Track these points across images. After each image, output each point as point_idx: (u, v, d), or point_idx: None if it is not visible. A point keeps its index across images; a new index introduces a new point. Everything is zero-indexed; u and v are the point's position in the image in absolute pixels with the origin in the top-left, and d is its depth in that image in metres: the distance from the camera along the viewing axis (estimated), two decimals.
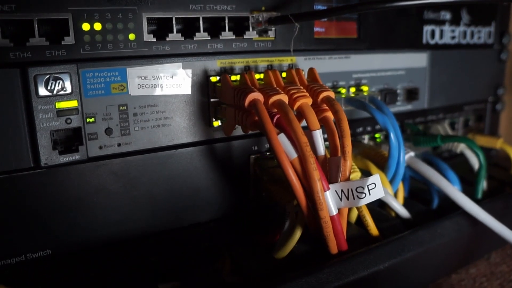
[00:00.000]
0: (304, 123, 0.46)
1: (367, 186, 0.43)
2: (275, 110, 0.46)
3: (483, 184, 0.63)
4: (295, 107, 0.47)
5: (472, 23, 0.78)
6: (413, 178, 0.64)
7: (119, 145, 0.48)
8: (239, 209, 0.57)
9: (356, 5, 0.48)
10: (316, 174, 0.42)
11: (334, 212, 0.44)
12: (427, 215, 0.58)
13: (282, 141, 0.43)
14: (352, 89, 0.63)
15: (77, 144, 0.45)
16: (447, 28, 0.74)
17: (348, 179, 0.45)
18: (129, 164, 0.49)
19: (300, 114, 0.47)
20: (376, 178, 0.44)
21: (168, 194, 0.52)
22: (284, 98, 0.46)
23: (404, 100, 0.70)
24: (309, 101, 0.47)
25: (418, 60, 0.70)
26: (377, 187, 0.44)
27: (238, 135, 0.54)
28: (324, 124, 0.48)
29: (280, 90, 0.47)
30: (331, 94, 0.49)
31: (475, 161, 0.66)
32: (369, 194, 0.43)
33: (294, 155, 0.43)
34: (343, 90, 0.62)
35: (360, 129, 0.66)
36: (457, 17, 0.75)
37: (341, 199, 0.44)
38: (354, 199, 0.44)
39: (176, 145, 0.51)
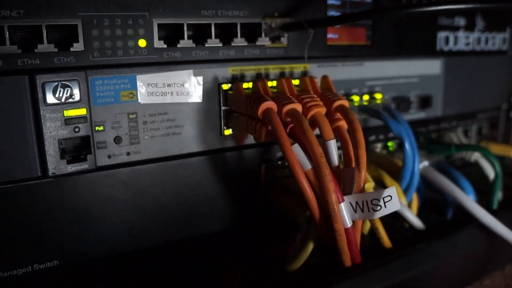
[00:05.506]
0: (316, 131, 0.45)
1: (383, 198, 0.42)
2: (289, 119, 0.45)
3: (499, 195, 0.61)
4: (309, 116, 0.46)
5: (487, 29, 0.77)
6: (427, 188, 0.62)
7: (128, 154, 0.47)
8: (250, 219, 0.56)
9: (371, 11, 0.48)
10: (331, 186, 0.41)
11: (349, 224, 0.43)
12: (442, 226, 0.57)
13: (296, 152, 0.42)
14: (365, 97, 0.62)
15: (85, 153, 0.44)
16: (461, 34, 0.73)
17: (362, 190, 0.44)
18: (138, 173, 0.48)
19: (313, 123, 0.46)
20: (392, 190, 0.42)
21: (178, 204, 0.51)
22: (298, 107, 0.45)
23: (418, 107, 0.68)
24: (323, 110, 0.46)
25: (432, 67, 0.69)
26: (393, 199, 0.42)
27: (249, 144, 0.53)
28: (338, 134, 0.47)
29: (293, 98, 0.46)
30: (345, 103, 0.48)
31: (489, 170, 0.65)
32: (385, 206, 0.42)
33: (308, 166, 0.42)
34: (356, 98, 0.61)
35: (373, 137, 0.64)
36: (472, 23, 0.74)
37: (355, 211, 0.43)
38: (369, 211, 0.43)
39: (186, 154, 0.50)
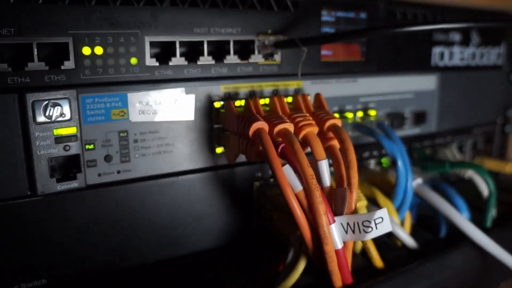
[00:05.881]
0: (308, 148, 0.45)
1: (374, 220, 0.42)
2: (280, 139, 0.45)
3: (493, 212, 0.61)
4: (301, 136, 0.46)
5: (482, 44, 0.77)
6: (421, 203, 0.62)
7: (118, 172, 0.46)
8: (241, 237, 0.55)
9: (365, 30, 0.47)
10: (321, 208, 0.40)
11: (340, 246, 0.42)
12: (435, 245, 0.56)
13: (287, 173, 0.41)
14: (359, 114, 0.61)
15: (75, 171, 0.44)
16: (456, 49, 0.73)
17: (354, 211, 0.44)
18: (128, 191, 0.47)
19: (306, 142, 0.45)
20: (384, 212, 0.42)
21: (169, 222, 0.50)
22: (290, 126, 0.45)
23: (412, 123, 0.68)
24: (315, 129, 0.46)
25: (427, 82, 0.69)
26: (384, 221, 0.42)
27: (241, 162, 0.52)
28: (330, 153, 0.46)
29: (285, 118, 0.46)
30: (338, 122, 0.48)
31: (483, 187, 0.64)
32: (376, 228, 0.42)
33: (299, 187, 0.42)
34: (350, 115, 0.60)
35: (366, 154, 0.64)
36: (467, 38, 0.74)
37: (346, 232, 0.43)
38: (360, 232, 0.42)
39: (177, 172, 0.50)
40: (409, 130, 0.68)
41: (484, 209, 0.61)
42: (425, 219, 0.63)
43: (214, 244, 0.54)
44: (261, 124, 0.44)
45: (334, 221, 0.42)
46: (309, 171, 0.41)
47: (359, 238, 0.42)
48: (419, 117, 0.69)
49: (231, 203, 0.53)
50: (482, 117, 0.81)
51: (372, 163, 0.66)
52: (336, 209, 0.43)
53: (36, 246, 0.44)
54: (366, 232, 0.42)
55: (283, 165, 0.41)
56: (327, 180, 0.44)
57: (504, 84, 0.83)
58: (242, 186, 0.54)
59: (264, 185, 0.54)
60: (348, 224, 0.43)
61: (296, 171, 0.42)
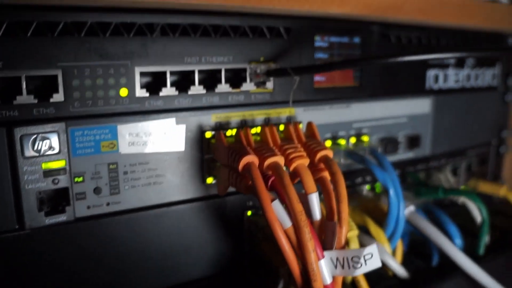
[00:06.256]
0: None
1: (364, 256, 0.42)
2: (270, 172, 0.44)
3: (486, 239, 0.61)
4: (292, 168, 0.45)
5: (477, 65, 0.76)
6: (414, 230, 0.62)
7: (108, 204, 0.46)
8: (232, 265, 0.55)
9: (357, 60, 0.47)
10: (310, 244, 0.40)
11: (329, 281, 0.42)
12: (427, 274, 0.56)
13: (276, 209, 0.41)
14: (352, 140, 0.61)
15: (64, 204, 0.44)
16: (451, 72, 0.72)
17: (343, 246, 0.44)
18: (118, 223, 0.47)
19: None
20: (373, 248, 0.42)
21: (159, 253, 0.50)
22: (280, 160, 0.44)
23: (406, 147, 0.68)
24: (306, 161, 0.46)
25: (421, 106, 0.69)
26: (374, 257, 0.42)
27: (232, 192, 0.52)
28: (321, 185, 0.46)
29: (276, 150, 0.46)
30: (329, 153, 0.47)
31: (477, 214, 0.64)
32: (365, 264, 0.42)
33: (288, 224, 0.41)
34: (343, 142, 0.60)
35: (359, 179, 0.64)
36: (461, 60, 0.74)
37: (335, 267, 0.42)
38: (349, 268, 0.42)
39: (167, 203, 0.49)
40: (403, 154, 0.68)
41: (477, 235, 0.61)
42: (417, 246, 0.63)
43: (205, 273, 0.53)
44: (251, 158, 0.44)
45: (323, 257, 0.42)
46: (299, 208, 0.40)
47: (349, 273, 0.42)
48: (413, 141, 0.69)
49: (222, 233, 0.53)
50: (477, 139, 0.80)
51: (365, 189, 0.66)
52: (326, 243, 0.43)
53: (23, 280, 0.44)
54: (356, 268, 0.42)
55: (272, 200, 0.41)
56: (317, 213, 0.44)
57: (499, 105, 0.83)
58: (233, 215, 0.54)
59: (255, 214, 0.54)
60: (337, 259, 0.42)
61: (285, 204, 0.42)
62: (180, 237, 0.51)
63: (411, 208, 0.59)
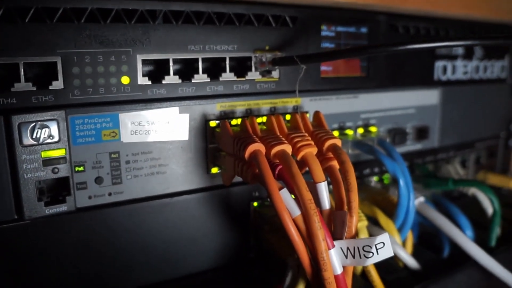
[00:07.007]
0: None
1: (375, 245, 0.40)
2: (277, 161, 0.43)
3: (497, 231, 0.59)
4: (299, 157, 0.44)
5: (485, 57, 0.75)
6: (424, 220, 0.60)
7: (110, 194, 0.45)
8: (238, 258, 0.54)
9: (364, 47, 0.46)
10: (320, 233, 0.39)
11: (339, 271, 0.41)
12: (438, 265, 0.55)
13: (285, 197, 0.40)
14: (360, 130, 0.60)
15: (64, 194, 0.43)
16: (459, 63, 0.71)
17: (354, 236, 0.42)
18: (120, 214, 0.46)
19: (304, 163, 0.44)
20: (385, 237, 0.40)
21: (162, 244, 0.49)
22: (288, 148, 0.43)
23: (414, 139, 0.67)
24: (314, 150, 0.44)
25: (429, 97, 0.67)
26: (386, 246, 0.40)
27: (238, 181, 0.50)
28: (329, 174, 0.45)
29: (283, 138, 0.44)
30: (338, 142, 0.46)
31: (487, 204, 0.63)
32: (377, 253, 0.40)
33: (297, 212, 0.40)
34: (350, 132, 0.59)
35: (368, 170, 0.62)
36: (470, 51, 0.73)
37: (346, 257, 0.41)
38: (360, 258, 0.41)
39: (171, 194, 0.48)
40: (411, 145, 0.67)
41: (488, 227, 0.60)
42: (428, 237, 0.61)
43: (209, 266, 0.52)
44: (258, 146, 0.42)
45: (333, 246, 0.40)
46: (308, 196, 0.39)
47: (360, 263, 0.41)
48: (421, 133, 0.67)
49: (227, 224, 0.52)
50: (485, 131, 0.79)
51: (373, 181, 0.64)
52: (336, 233, 0.42)
53: (22, 271, 0.43)
54: (367, 257, 0.40)
55: (280, 188, 0.40)
56: (326, 202, 0.42)
57: (508, 98, 0.82)
58: (239, 206, 0.52)
59: (261, 205, 0.53)
60: (348, 248, 0.41)
61: (293, 193, 0.40)
62: (184, 229, 0.49)
63: (421, 199, 0.57)
